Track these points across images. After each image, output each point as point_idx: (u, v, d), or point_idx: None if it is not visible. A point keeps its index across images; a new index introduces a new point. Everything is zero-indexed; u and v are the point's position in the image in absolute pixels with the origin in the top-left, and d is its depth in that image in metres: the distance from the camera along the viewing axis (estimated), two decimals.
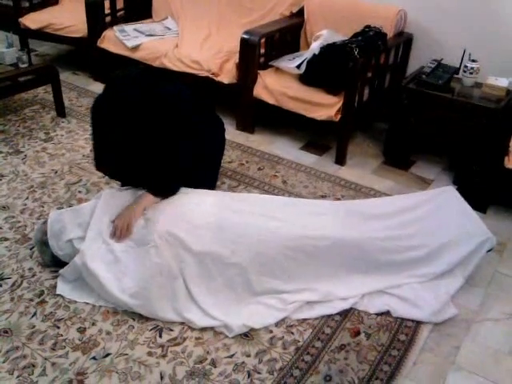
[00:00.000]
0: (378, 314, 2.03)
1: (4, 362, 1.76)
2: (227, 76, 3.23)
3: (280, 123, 3.38)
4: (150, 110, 2.04)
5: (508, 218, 2.64)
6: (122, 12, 3.95)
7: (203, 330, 1.93)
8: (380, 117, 3.44)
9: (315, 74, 2.95)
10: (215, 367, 1.79)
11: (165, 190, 2.13)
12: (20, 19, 3.95)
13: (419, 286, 2.11)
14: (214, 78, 3.25)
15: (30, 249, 2.26)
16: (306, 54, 3.02)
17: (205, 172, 2.41)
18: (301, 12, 3.44)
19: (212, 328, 1.93)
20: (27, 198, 2.59)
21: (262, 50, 3.21)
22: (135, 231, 2.00)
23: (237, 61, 3.20)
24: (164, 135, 2.10)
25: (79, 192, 2.66)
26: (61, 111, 3.38)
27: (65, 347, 1.83)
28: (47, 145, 3.08)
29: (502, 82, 2.80)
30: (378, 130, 3.43)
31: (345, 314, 2.03)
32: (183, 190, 2.17)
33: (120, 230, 2.01)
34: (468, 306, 2.09)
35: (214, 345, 1.87)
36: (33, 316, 1.94)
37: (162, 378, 1.74)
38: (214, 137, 2.46)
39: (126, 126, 2.03)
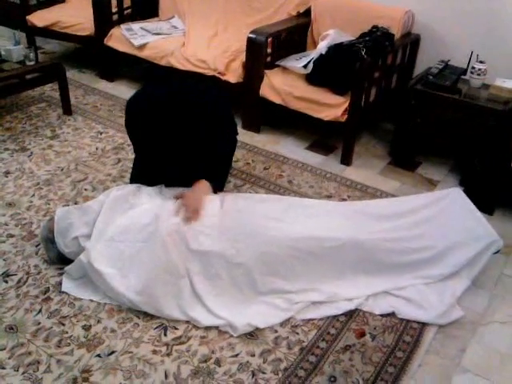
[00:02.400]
0: (383, 315, 2.02)
1: (9, 359, 1.76)
2: (233, 75, 3.23)
3: (286, 123, 3.38)
4: (176, 101, 2.15)
5: None
6: (128, 10, 3.95)
7: (208, 328, 1.92)
8: (386, 117, 3.43)
9: (322, 74, 2.95)
10: (220, 366, 1.78)
11: (222, 183, 2.33)
12: (27, 17, 3.96)
13: (425, 288, 2.11)
14: (221, 77, 3.25)
15: (36, 246, 2.26)
16: (313, 54, 3.01)
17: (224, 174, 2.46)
18: (308, 12, 3.43)
19: (217, 327, 1.93)
20: (33, 195, 2.59)
21: (269, 50, 3.20)
22: (142, 228, 2.00)
23: (243, 60, 3.20)
24: (210, 132, 2.22)
25: (85, 189, 2.66)
26: (67, 109, 3.39)
27: (70, 344, 1.83)
28: (53, 142, 3.08)
29: (510, 84, 2.79)
30: (384, 130, 3.42)
31: (350, 314, 2.02)
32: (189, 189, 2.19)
33: (191, 212, 2.04)
34: (474, 308, 2.08)
35: (218, 344, 1.87)
36: (38, 313, 1.95)
37: (166, 376, 1.74)
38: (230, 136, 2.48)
39: (159, 120, 2.13)
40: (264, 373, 1.77)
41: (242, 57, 3.21)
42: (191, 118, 2.15)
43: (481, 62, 2.87)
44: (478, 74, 2.88)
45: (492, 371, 1.83)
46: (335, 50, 2.91)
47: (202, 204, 2.10)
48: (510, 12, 2.93)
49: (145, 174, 2.37)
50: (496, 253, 2.20)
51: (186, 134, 2.17)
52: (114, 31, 3.72)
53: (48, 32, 3.94)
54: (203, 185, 2.19)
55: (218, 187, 2.29)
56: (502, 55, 2.98)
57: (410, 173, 3.02)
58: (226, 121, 2.39)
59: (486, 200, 2.62)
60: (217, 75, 3.25)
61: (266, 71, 3.17)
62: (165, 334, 1.89)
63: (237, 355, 1.83)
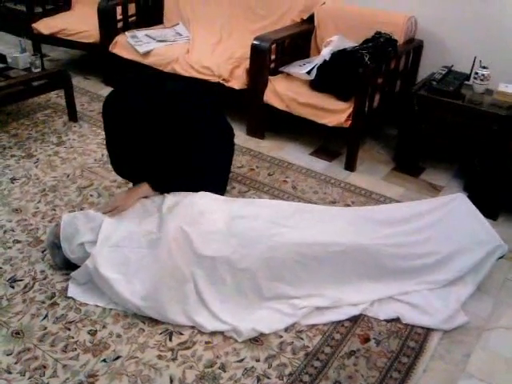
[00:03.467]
0: (387, 321, 2.02)
1: (16, 363, 1.78)
2: (238, 82, 3.25)
3: (290, 129, 3.39)
4: (155, 109, 2.11)
5: None
6: (133, 18, 3.99)
7: (213, 334, 1.93)
8: (390, 123, 3.44)
9: (326, 80, 2.96)
10: (225, 371, 1.79)
11: (163, 184, 2.23)
12: (33, 24, 4.00)
13: (429, 293, 2.11)
14: (225, 84, 3.27)
15: (42, 251, 2.28)
16: (317, 60, 3.03)
17: (214, 176, 2.43)
18: (311, 18, 3.45)
19: (222, 332, 1.94)
20: (39, 202, 2.61)
21: (273, 56, 3.22)
22: (147, 234, 2.01)
23: (247, 67, 3.22)
24: (169, 133, 2.17)
25: (91, 196, 2.68)
26: (73, 116, 3.42)
27: (76, 349, 1.84)
28: (59, 149, 3.11)
29: None
30: (388, 135, 3.43)
31: (354, 320, 2.02)
32: (195, 194, 2.19)
33: (111, 208, 2.14)
34: (478, 313, 2.08)
35: (223, 349, 1.88)
36: (44, 318, 1.96)
37: (171, 381, 1.75)
38: (223, 141, 2.47)
39: (135, 127, 2.10)
40: (269, 378, 1.77)
41: (246, 63, 3.24)
42: (163, 126, 2.14)
43: (484, 67, 2.88)
44: (482, 80, 2.89)
45: (497, 377, 1.82)
46: (339, 56, 2.92)
47: (124, 202, 2.15)
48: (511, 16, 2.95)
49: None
50: (500, 258, 2.20)
51: (154, 140, 2.15)
52: (119, 38, 3.75)
53: (54, 39, 3.98)
54: (140, 188, 2.21)
55: (166, 190, 2.23)
56: (504, 60, 2.99)
57: (414, 178, 3.03)
58: (202, 131, 2.28)
59: (490, 205, 2.62)
60: (221, 82, 3.27)
61: (270, 77, 3.18)
62: (170, 339, 1.90)
63: (242, 360, 1.84)
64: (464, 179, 3.00)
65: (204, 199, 2.19)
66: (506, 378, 1.82)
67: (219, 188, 2.44)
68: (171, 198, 2.16)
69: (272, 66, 3.23)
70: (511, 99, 2.78)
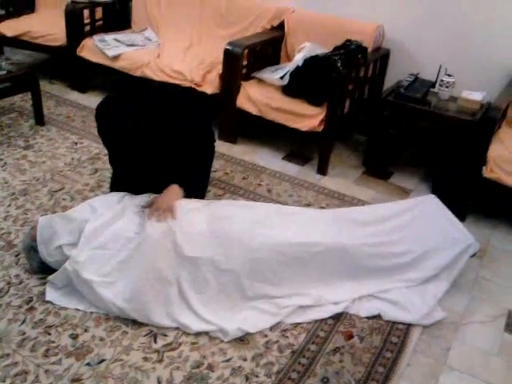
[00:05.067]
0: (369, 318, 2.07)
1: None
2: (210, 86, 3.26)
3: (261, 134, 3.42)
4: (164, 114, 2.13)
5: (487, 225, 2.74)
6: (100, 22, 3.94)
7: (198, 334, 1.92)
8: (358, 128, 3.52)
9: (298, 86, 3.01)
10: (213, 371, 1.78)
11: (198, 189, 2.32)
12: None
13: (408, 291, 2.17)
14: (197, 89, 3.27)
15: (16, 256, 2.21)
16: (289, 66, 3.08)
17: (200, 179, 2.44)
18: (281, 26, 3.51)
19: (207, 333, 1.93)
20: (9, 205, 2.53)
21: (245, 62, 3.25)
22: (130, 236, 1.98)
23: (220, 71, 3.23)
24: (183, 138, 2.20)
25: (63, 199, 2.61)
26: (40, 119, 3.33)
27: (57, 354, 1.79)
28: (27, 152, 3.02)
29: (476, 96, 2.92)
30: (356, 141, 3.52)
31: (337, 317, 2.05)
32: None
33: (164, 210, 2.04)
34: (454, 309, 2.16)
35: (210, 349, 1.87)
36: (22, 323, 1.90)
37: (159, 382, 1.72)
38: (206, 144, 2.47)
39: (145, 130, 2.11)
40: (257, 376, 1.77)
41: (218, 68, 3.25)
42: (161, 128, 2.14)
43: (449, 75, 3.00)
44: (447, 87, 3.01)
45: (477, 369, 1.89)
46: (311, 61, 2.98)
47: (173, 203, 2.09)
48: (475, 28, 3.08)
49: (122, 181, 2.36)
50: (473, 255, 2.28)
51: (156, 143, 2.16)
52: (87, 42, 3.70)
53: (17, 42, 3.88)
54: (173, 188, 2.17)
55: (193, 192, 2.25)
56: (468, 68, 3.12)
57: (384, 182, 3.11)
58: (199, 129, 2.34)
59: (458, 207, 2.71)
60: (193, 86, 3.27)
61: (243, 83, 3.21)
62: (155, 341, 1.88)
63: (229, 360, 1.83)
64: (431, 182, 3.10)
65: (185, 201, 2.17)
66: (485, 370, 1.89)
67: (202, 191, 2.44)
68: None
69: (244, 71, 3.26)
70: (474, 105, 2.91)
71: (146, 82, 2.29)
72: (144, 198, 2.20)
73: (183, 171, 2.23)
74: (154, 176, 2.25)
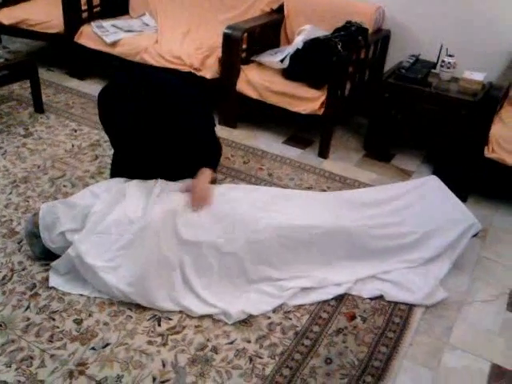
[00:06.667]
0: (371, 299, 2.07)
1: (0, 355, 1.72)
2: (209, 71, 3.24)
3: (261, 118, 3.40)
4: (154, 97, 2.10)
5: (488, 205, 2.74)
6: (97, 8, 3.90)
7: (202, 318, 1.93)
8: (359, 111, 3.50)
9: (298, 68, 2.99)
10: (217, 354, 1.79)
11: (216, 162, 2.37)
12: None
13: (410, 271, 2.17)
14: (196, 73, 3.25)
15: (18, 243, 2.21)
16: (289, 49, 3.06)
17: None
18: (281, 8, 3.47)
19: (210, 316, 1.94)
20: (11, 193, 2.53)
21: (244, 46, 3.23)
22: (133, 220, 1.98)
23: (219, 56, 3.21)
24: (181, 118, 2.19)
25: (64, 186, 2.61)
26: (39, 107, 3.32)
27: (62, 339, 1.80)
28: (27, 140, 3.01)
29: (478, 77, 2.89)
30: (357, 124, 3.50)
31: (339, 299, 2.06)
32: (180, 181, 2.19)
33: (202, 200, 2.09)
34: (456, 289, 2.16)
35: (213, 332, 1.88)
36: (26, 309, 1.91)
37: (164, 365, 1.74)
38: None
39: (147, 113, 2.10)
40: (261, 358, 1.79)
41: (217, 53, 3.23)
42: (164, 109, 2.12)
43: (450, 55, 2.97)
44: (448, 68, 2.98)
45: (479, 348, 1.90)
46: (311, 44, 2.95)
47: (209, 191, 2.14)
48: (476, 6, 3.04)
49: (124, 167, 2.35)
50: (475, 236, 2.29)
51: (161, 125, 2.14)
52: (85, 28, 3.66)
53: (15, 30, 3.83)
54: (206, 173, 2.20)
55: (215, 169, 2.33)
56: (469, 48, 3.09)
57: (385, 164, 3.10)
58: (201, 108, 2.33)
59: (460, 187, 2.70)
60: (192, 71, 3.25)
61: (242, 67, 3.19)
62: (159, 325, 1.89)
63: (232, 342, 1.84)
64: (433, 164, 3.09)
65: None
66: (487, 348, 1.90)
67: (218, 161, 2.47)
68: (158, 186, 2.14)
69: (243, 55, 3.24)
70: (476, 86, 2.88)
71: (145, 72, 2.25)
72: (172, 185, 2.20)
73: (200, 152, 2.26)
74: (156, 161, 2.24)
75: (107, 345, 1.79)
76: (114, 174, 2.42)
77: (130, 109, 2.08)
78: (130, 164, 2.33)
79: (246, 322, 1.93)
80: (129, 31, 3.61)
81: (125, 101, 2.09)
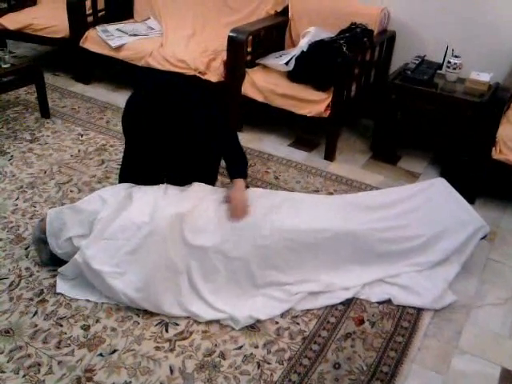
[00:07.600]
0: (379, 303, 2.06)
1: (8, 362, 1.72)
2: (214, 74, 3.24)
3: (267, 121, 3.40)
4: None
5: (496, 207, 2.72)
6: (102, 13, 3.91)
7: (209, 323, 1.92)
8: (365, 113, 3.49)
9: (304, 71, 2.98)
10: (224, 359, 1.79)
11: (247, 172, 2.37)
12: None
13: (418, 275, 2.15)
14: (201, 77, 3.25)
15: (25, 249, 2.21)
16: (294, 51, 3.05)
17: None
18: (285, 11, 3.47)
19: (218, 321, 1.93)
20: (17, 199, 2.53)
21: (249, 49, 3.22)
22: (140, 225, 1.98)
23: (224, 59, 3.21)
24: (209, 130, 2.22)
25: (71, 191, 2.62)
26: (45, 112, 3.33)
27: (70, 345, 1.80)
28: (33, 145, 3.02)
29: (484, 77, 2.88)
30: (363, 126, 3.48)
31: (347, 303, 2.05)
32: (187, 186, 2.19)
33: (240, 212, 2.09)
34: (465, 292, 2.15)
35: (221, 337, 1.87)
36: (34, 315, 1.91)
37: (171, 371, 1.73)
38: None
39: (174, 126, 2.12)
40: (269, 363, 1.78)
41: (222, 56, 3.23)
42: (191, 118, 2.14)
43: (456, 56, 2.96)
44: (454, 68, 2.97)
45: (489, 352, 1.88)
46: (316, 46, 2.95)
47: (247, 202, 2.14)
48: (482, 7, 3.03)
49: (136, 173, 2.33)
50: (483, 238, 2.27)
51: (185, 133, 2.15)
52: (90, 33, 3.68)
53: (20, 35, 3.85)
54: (241, 184, 2.22)
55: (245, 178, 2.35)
56: (475, 49, 3.08)
57: (392, 166, 3.09)
58: (224, 118, 2.37)
59: (468, 189, 2.68)
60: (197, 75, 3.25)
61: (247, 70, 3.18)
62: (166, 331, 1.88)
63: (240, 347, 1.84)
64: (440, 165, 3.08)
65: (195, 188, 2.17)
66: (497, 352, 1.88)
67: (213, 179, 2.45)
68: (164, 190, 2.14)
69: (248, 58, 3.23)
70: (482, 87, 2.87)
71: (170, 81, 2.28)
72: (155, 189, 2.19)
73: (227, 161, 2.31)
74: (173, 169, 2.25)
75: (115, 351, 1.79)
76: (123, 179, 2.41)
77: (160, 118, 2.09)
78: (143, 170, 2.32)
79: (254, 327, 1.92)
80: (134, 35, 3.62)
81: (155, 110, 2.10)
